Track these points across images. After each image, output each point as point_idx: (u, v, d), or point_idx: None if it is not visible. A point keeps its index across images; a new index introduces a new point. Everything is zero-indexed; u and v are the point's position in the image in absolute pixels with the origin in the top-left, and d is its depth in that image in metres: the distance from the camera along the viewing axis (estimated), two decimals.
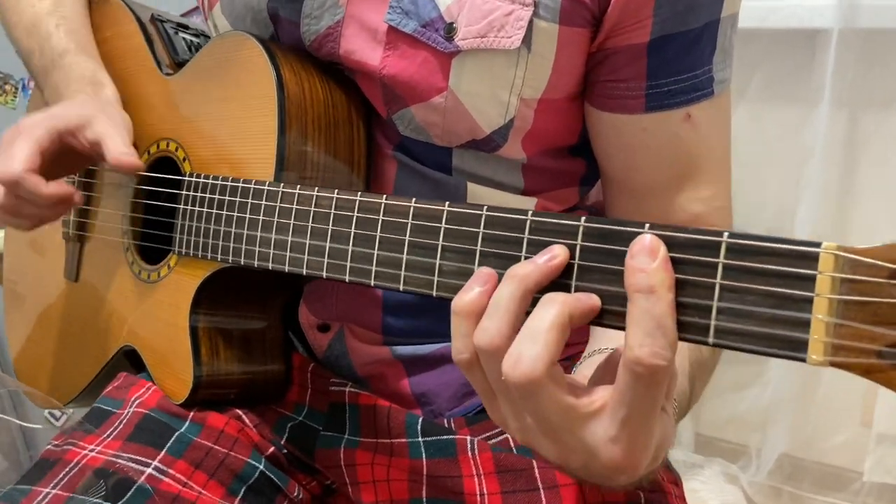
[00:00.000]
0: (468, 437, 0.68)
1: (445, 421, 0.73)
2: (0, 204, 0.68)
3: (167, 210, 0.70)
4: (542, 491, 0.64)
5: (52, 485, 0.62)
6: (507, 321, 0.41)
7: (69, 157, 0.70)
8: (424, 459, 0.68)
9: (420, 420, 0.70)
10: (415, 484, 0.68)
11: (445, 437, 0.68)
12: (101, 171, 0.81)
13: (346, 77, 0.69)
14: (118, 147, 0.66)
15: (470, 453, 0.67)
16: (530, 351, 0.39)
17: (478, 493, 0.65)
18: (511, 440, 0.69)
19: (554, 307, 0.40)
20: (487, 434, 0.70)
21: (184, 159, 0.70)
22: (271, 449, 0.71)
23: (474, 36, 0.62)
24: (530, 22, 0.61)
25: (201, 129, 0.69)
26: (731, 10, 0.64)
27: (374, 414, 0.71)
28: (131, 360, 0.77)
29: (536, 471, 0.64)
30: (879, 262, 0.33)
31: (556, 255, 0.42)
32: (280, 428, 0.72)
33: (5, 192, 0.67)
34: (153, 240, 0.74)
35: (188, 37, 0.76)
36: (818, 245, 0.35)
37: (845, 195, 1.48)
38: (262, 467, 0.69)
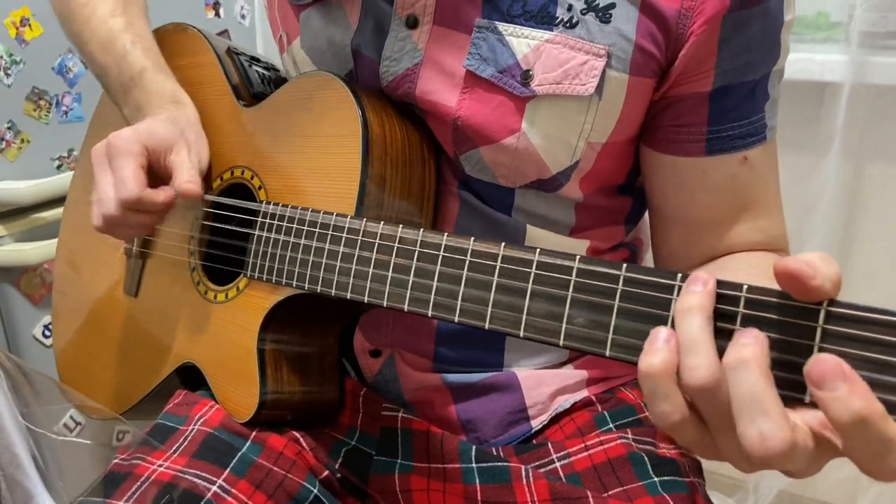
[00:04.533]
0: (521, 466, 0.70)
1: (494, 450, 0.75)
2: (113, 217, 0.70)
3: (236, 234, 0.73)
4: None
5: (125, 498, 0.64)
6: (711, 349, 0.42)
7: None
8: (478, 485, 0.70)
9: (474, 448, 0.72)
10: None
11: (499, 464, 0.71)
12: None
13: (418, 117, 0.72)
14: (183, 177, 0.70)
15: (524, 480, 0.69)
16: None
17: None
18: (560, 470, 0.72)
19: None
20: (537, 463, 0.72)
21: (259, 187, 0.73)
22: (325, 473, 0.72)
23: (550, 83, 0.66)
24: (603, 72, 0.65)
25: (280, 161, 0.72)
26: (781, 65, 0.69)
27: (427, 439, 0.73)
28: (185, 377, 0.79)
29: (591, 500, 0.66)
30: None
31: (705, 280, 0.43)
32: (335, 452, 0.74)
33: (118, 208, 0.69)
34: (219, 261, 0.76)
35: (261, 70, 0.78)
36: None
37: (850, 244, 1.53)
38: (316, 491, 0.70)
